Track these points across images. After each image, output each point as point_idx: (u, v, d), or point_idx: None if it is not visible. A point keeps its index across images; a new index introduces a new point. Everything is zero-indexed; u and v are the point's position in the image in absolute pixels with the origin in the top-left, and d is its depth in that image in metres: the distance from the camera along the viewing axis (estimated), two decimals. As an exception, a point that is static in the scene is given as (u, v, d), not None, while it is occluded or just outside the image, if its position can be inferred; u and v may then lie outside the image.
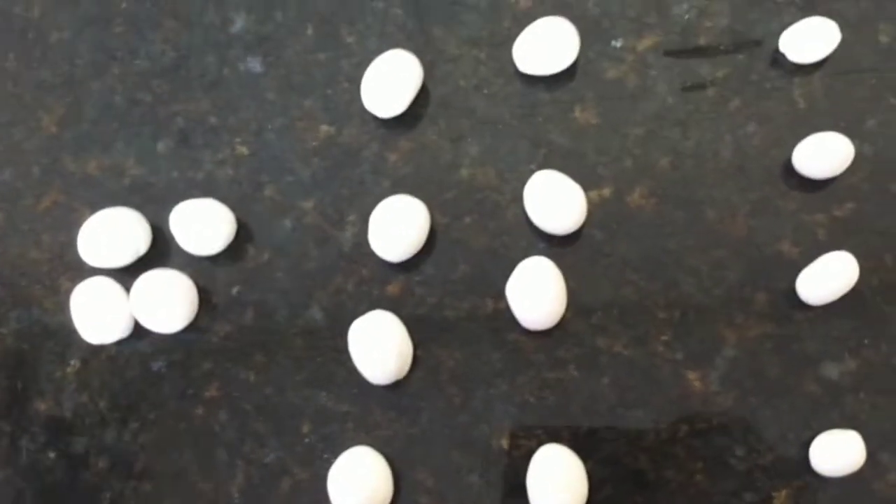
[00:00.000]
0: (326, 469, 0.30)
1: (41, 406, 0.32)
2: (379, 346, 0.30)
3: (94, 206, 0.34)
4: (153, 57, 0.36)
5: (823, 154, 0.31)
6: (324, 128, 0.34)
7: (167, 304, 0.31)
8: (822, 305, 0.30)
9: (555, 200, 0.31)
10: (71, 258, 0.33)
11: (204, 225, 0.32)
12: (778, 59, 0.33)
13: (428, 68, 0.34)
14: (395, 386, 0.31)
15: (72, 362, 0.32)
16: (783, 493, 0.29)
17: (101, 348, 0.32)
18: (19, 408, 0.32)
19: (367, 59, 0.34)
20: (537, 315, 0.30)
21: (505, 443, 0.30)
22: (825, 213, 0.31)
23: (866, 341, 0.30)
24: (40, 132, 0.35)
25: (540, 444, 0.30)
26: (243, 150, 0.34)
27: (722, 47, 0.33)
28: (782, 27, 0.33)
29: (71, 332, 0.32)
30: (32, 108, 0.36)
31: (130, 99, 0.35)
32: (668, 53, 0.33)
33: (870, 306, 0.30)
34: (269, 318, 0.32)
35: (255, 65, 0.35)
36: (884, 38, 0.33)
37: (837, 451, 0.28)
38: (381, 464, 0.30)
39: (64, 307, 0.33)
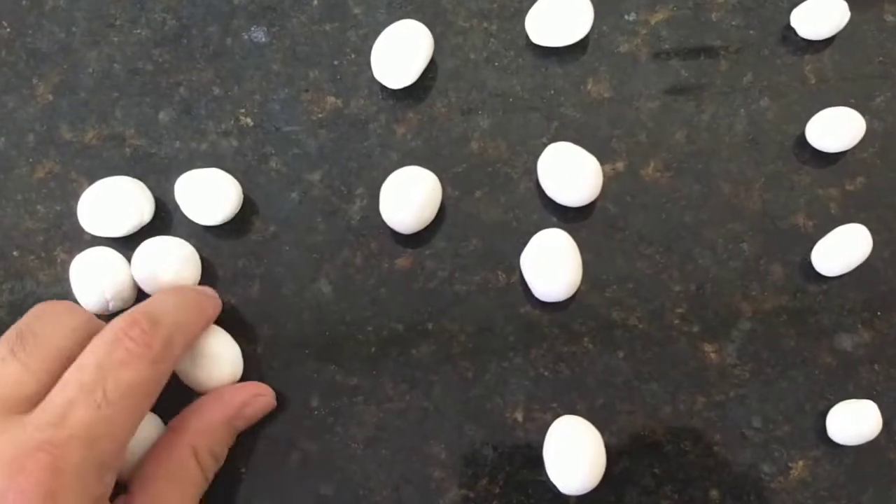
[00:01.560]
0: (335, 443, 0.29)
1: (36, 381, 0.31)
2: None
3: (93, 177, 0.32)
4: (154, 26, 0.35)
5: (837, 128, 0.31)
6: (330, 99, 0.34)
7: (170, 270, 0.30)
8: (835, 278, 0.30)
9: (570, 172, 0.31)
10: (68, 229, 0.32)
11: (210, 194, 0.31)
12: (788, 36, 0.33)
13: (437, 40, 0.34)
14: (407, 359, 0.31)
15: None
16: (800, 463, 0.29)
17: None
18: (13, 383, 0.31)
19: (374, 31, 0.33)
20: (553, 287, 0.30)
21: (519, 416, 0.30)
22: (838, 187, 0.32)
23: (879, 313, 0.30)
24: (35, 100, 0.34)
25: (555, 416, 0.29)
26: (248, 121, 0.34)
27: (734, 23, 0.33)
28: (793, 4, 0.33)
29: (68, 305, 0.31)
30: (27, 76, 0.34)
31: (130, 68, 0.34)
32: (681, 28, 0.33)
33: (882, 279, 0.31)
34: (275, 291, 0.31)
35: (259, 35, 0.35)
36: (890, 18, 0.34)
37: (854, 421, 0.28)
38: None
39: (60, 279, 0.32)
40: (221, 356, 0.29)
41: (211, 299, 0.29)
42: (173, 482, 0.26)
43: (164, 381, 0.25)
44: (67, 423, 0.22)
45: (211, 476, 0.28)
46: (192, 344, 0.28)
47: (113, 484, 0.24)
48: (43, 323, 0.25)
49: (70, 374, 0.23)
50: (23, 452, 0.21)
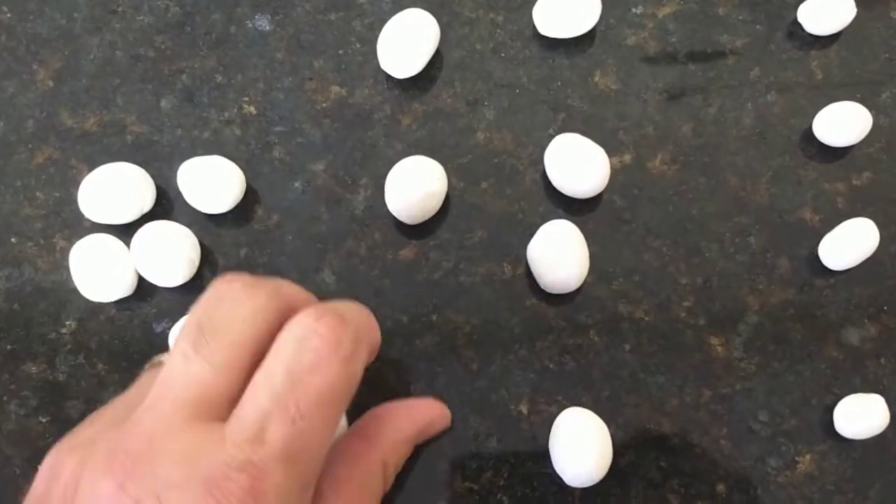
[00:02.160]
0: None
1: (32, 369, 0.30)
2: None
3: (93, 163, 0.32)
4: (156, 13, 0.35)
5: (843, 122, 0.31)
6: (335, 89, 0.33)
7: (169, 254, 0.29)
8: (842, 272, 0.30)
9: (577, 163, 0.30)
10: (67, 216, 0.32)
11: (213, 182, 0.30)
12: (795, 31, 0.33)
13: (443, 31, 0.34)
14: (411, 350, 0.30)
15: (67, 323, 0.31)
16: (807, 457, 0.29)
17: (99, 309, 0.31)
18: (9, 371, 0.30)
19: (380, 20, 0.33)
20: (559, 278, 0.30)
21: (524, 408, 0.30)
22: (844, 182, 0.32)
23: (886, 307, 0.30)
24: (35, 86, 0.34)
25: (560, 409, 0.29)
26: (251, 109, 0.33)
27: (740, 17, 0.33)
28: (800, -1, 0.33)
29: (67, 293, 0.31)
30: (27, 62, 0.34)
31: (132, 55, 0.34)
32: (688, 22, 0.33)
33: (890, 273, 0.31)
34: (278, 280, 0.31)
35: (263, 23, 0.34)
36: (895, 15, 0.34)
37: (861, 415, 0.28)
38: None
39: (59, 266, 0.31)
40: None
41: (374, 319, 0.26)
42: (362, 491, 0.25)
43: (355, 385, 0.23)
44: (265, 439, 0.20)
45: (389, 487, 0.27)
46: (375, 352, 0.25)
47: (311, 500, 0.22)
48: (224, 309, 0.22)
49: (261, 382, 0.21)
50: (222, 473, 0.19)
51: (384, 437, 0.26)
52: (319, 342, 0.21)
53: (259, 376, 0.21)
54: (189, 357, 0.21)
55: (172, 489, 0.19)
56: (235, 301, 0.22)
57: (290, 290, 0.24)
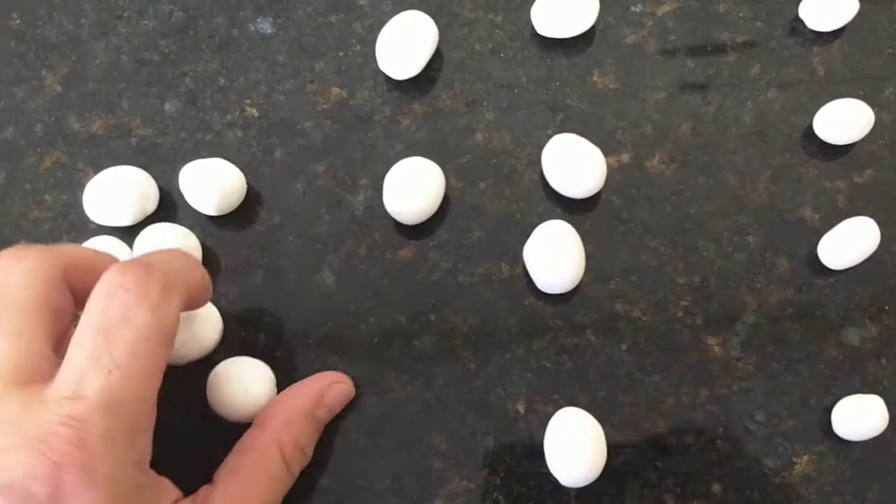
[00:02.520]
0: (336, 433, 0.29)
1: (42, 368, 0.31)
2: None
3: (99, 166, 0.33)
4: (161, 17, 0.35)
5: (844, 120, 0.31)
6: (335, 90, 0.34)
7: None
8: (843, 271, 0.30)
9: (574, 163, 0.31)
10: (74, 218, 0.33)
11: (214, 184, 0.31)
12: (797, 28, 0.33)
13: (442, 32, 0.34)
14: (409, 350, 0.30)
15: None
16: (804, 458, 0.29)
17: (105, 309, 0.31)
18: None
19: (380, 22, 0.33)
20: (555, 278, 0.30)
21: (521, 407, 0.30)
22: (845, 180, 0.31)
23: (887, 307, 0.30)
24: (43, 91, 0.34)
25: (556, 408, 0.29)
26: (253, 111, 0.34)
27: (741, 14, 0.33)
28: (802, -5, 0.33)
29: (74, 293, 0.31)
30: (36, 67, 0.35)
31: (137, 59, 0.35)
32: (687, 20, 0.33)
33: (890, 272, 0.30)
34: (279, 281, 0.32)
35: (265, 26, 0.35)
36: (901, 9, 0.33)
37: (860, 416, 0.28)
38: None
39: (66, 268, 0.32)
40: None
41: (198, 263, 0.27)
42: (258, 475, 0.26)
43: (172, 330, 0.24)
44: (83, 393, 0.21)
45: (297, 470, 0.27)
46: (193, 295, 0.26)
47: (149, 449, 0.23)
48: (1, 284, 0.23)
49: (74, 344, 0.22)
50: (48, 430, 0.21)
51: (275, 420, 0.27)
52: (125, 295, 0.22)
53: (73, 339, 0.22)
54: None
55: (3, 452, 0.21)
56: (5, 272, 0.23)
57: (69, 249, 0.25)
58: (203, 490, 0.25)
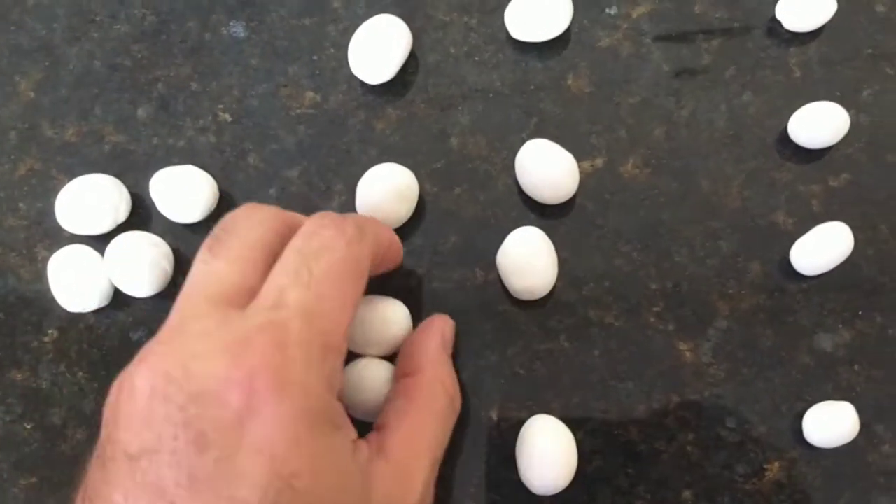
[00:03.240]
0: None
1: (17, 376, 0.31)
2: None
3: (73, 174, 0.33)
4: (133, 21, 0.35)
5: (819, 123, 0.30)
6: (309, 95, 0.34)
7: (141, 265, 0.30)
8: (816, 276, 0.30)
9: (547, 169, 0.30)
10: (49, 226, 0.32)
11: (185, 191, 0.31)
12: (774, 29, 0.33)
13: (417, 35, 0.34)
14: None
15: (49, 332, 0.32)
16: (776, 464, 0.29)
17: (79, 317, 0.31)
18: (-6, 379, 0.31)
19: (354, 25, 0.33)
20: (527, 285, 0.30)
21: (494, 415, 0.30)
22: (820, 184, 0.31)
23: (861, 312, 0.30)
24: (17, 97, 0.34)
25: (530, 415, 0.29)
26: (226, 116, 0.33)
27: (717, 15, 0.33)
28: (778, -5, 0.32)
29: (48, 301, 0.32)
30: (9, 73, 0.34)
31: (110, 64, 0.34)
32: (663, 22, 0.33)
33: (864, 277, 0.30)
34: (252, 288, 0.31)
35: (238, 30, 0.34)
36: (880, 8, 0.33)
37: (831, 423, 0.28)
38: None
39: (41, 276, 0.32)
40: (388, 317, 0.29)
41: (388, 227, 0.29)
42: (427, 414, 0.26)
43: (364, 266, 0.25)
44: (283, 304, 0.22)
45: (458, 405, 0.28)
46: (383, 247, 0.27)
47: (340, 373, 0.24)
48: (233, 223, 0.25)
49: (277, 267, 0.24)
50: (245, 335, 0.21)
51: (426, 362, 0.27)
52: (324, 231, 0.24)
53: (277, 265, 0.24)
54: (206, 259, 0.24)
55: (197, 359, 0.21)
56: (243, 214, 0.26)
57: (294, 215, 0.27)
58: (373, 436, 0.25)
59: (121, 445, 0.21)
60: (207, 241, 0.25)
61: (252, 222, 0.25)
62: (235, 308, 0.23)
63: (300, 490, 0.20)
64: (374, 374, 0.28)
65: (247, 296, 0.23)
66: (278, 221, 0.26)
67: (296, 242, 0.24)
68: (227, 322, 0.22)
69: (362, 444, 0.24)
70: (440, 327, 0.29)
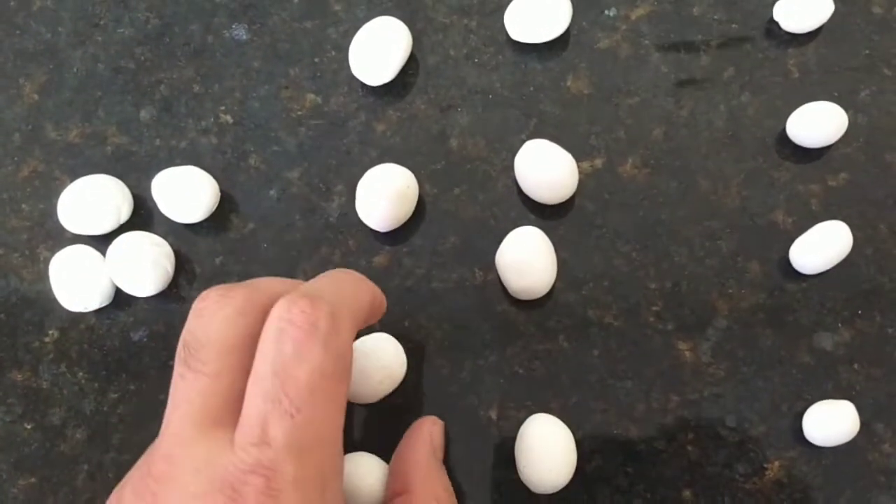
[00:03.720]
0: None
1: (18, 377, 0.31)
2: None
3: (75, 175, 0.33)
4: (137, 25, 0.35)
5: (817, 123, 0.30)
6: (310, 97, 0.34)
7: (142, 265, 0.30)
8: (815, 275, 0.30)
9: (546, 170, 0.30)
10: (51, 227, 0.33)
11: (186, 192, 0.31)
12: (772, 29, 0.33)
13: (417, 37, 0.34)
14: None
15: (50, 332, 0.32)
16: (776, 463, 0.28)
17: (80, 318, 0.32)
18: (-5, 379, 0.32)
19: (354, 28, 0.33)
20: (526, 284, 0.30)
21: (493, 414, 0.30)
22: (819, 184, 0.31)
23: (860, 311, 0.30)
24: (21, 100, 0.34)
25: (529, 415, 0.29)
26: (227, 118, 0.34)
27: (716, 17, 0.33)
28: (776, -3, 0.33)
29: (49, 302, 0.32)
30: (14, 76, 0.35)
31: (113, 67, 0.35)
32: (662, 24, 0.33)
33: (864, 276, 0.30)
34: (253, 288, 0.32)
35: (240, 32, 0.35)
36: (877, 10, 0.33)
37: (831, 422, 0.28)
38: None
39: (42, 276, 0.32)
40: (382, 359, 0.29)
41: (366, 281, 0.26)
42: None
43: (347, 361, 0.23)
44: (269, 440, 0.20)
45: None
46: (362, 317, 0.25)
47: (340, 493, 0.22)
48: (204, 323, 0.23)
49: (252, 386, 0.21)
50: (238, 479, 0.20)
51: (417, 478, 0.27)
52: (295, 331, 0.21)
53: (251, 381, 0.22)
54: (184, 375, 0.22)
55: (196, 499, 0.20)
56: (212, 312, 0.23)
57: (268, 284, 0.24)
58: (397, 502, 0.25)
59: None
60: (181, 353, 0.22)
61: (223, 323, 0.22)
62: (224, 428, 0.21)
63: None
64: (365, 471, 0.28)
65: (235, 406, 0.22)
66: (253, 311, 0.23)
67: (265, 352, 0.22)
68: (215, 455, 0.21)
69: None
70: (428, 432, 0.28)
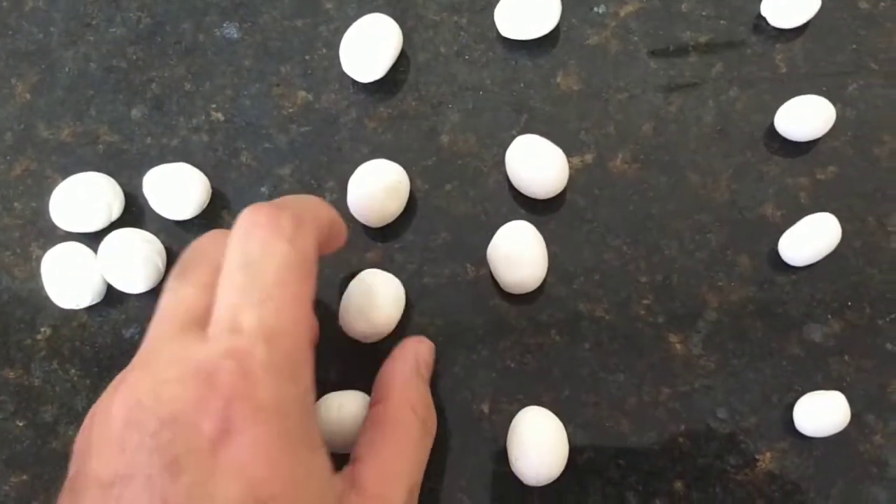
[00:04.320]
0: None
1: (10, 374, 0.31)
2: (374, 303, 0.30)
3: (67, 173, 0.33)
4: (129, 24, 0.35)
5: (805, 117, 0.31)
6: (301, 94, 0.34)
7: (134, 261, 0.30)
8: (804, 268, 0.30)
9: (537, 165, 0.31)
10: (43, 225, 0.33)
11: (177, 189, 0.31)
12: (759, 25, 0.33)
13: (408, 34, 0.34)
14: (376, 353, 0.30)
15: (42, 329, 0.32)
16: (767, 455, 0.29)
17: (72, 315, 0.32)
18: (-13, 377, 0.32)
19: (345, 26, 0.34)
20: (518, 279, 0.30)
21: (486, 408, 0.30)
22: (808, 177, 0.31)
23: (850, 303, 0.30)
24: (14, 99, 0.35)
25: (521, 408, 0.29)
26: (219, 116, 0.34)
27: (704, 13, 0.33)
28: (763, -8, 0.33)
29: (42, 300, 0.32)
30: (6, 76, 0.35)
31: (105, 66, 0.35)
32: (650, 20, 0.33)
33: (852, 268, 0.30)
34: (245, 285, 0.32)
35: (231, 31, 0.35)
36: (863, 5, 0.33)
37: (822, 413, 0.28)
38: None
39: (35, 274, 0.32)
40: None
41: (327, 204, 0.28)
42: (400, 442, 0.26)
43: (312, 260, 0.24)
44: (240, 328, 0.22)
45: (433, 428, 0.28)
46: (324, 232, 0.26)
47: (312, 392, 0.23)
48: (200, 249, 0.25)
49: (224, 284, 0.23)
50: (212, 363, 0.21)
51: (394, 388, 0.27)
52: (261, 231, 0.23)
53: (221, 279, 0.23)
54: (175, 287, 0.24)
55: (167, 384, 0.21)
56: (209, 239, 0.26)
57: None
58: (347, 470, 0.25)
59: (93, 474, 0.21)
60: (175, 269, 0.25)
61: (219, 247, 0.24)
62: (201, 327, 0.22)
63: None
64: (349, 407, 0.28)
65: (209, 316, 0.23)
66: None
67: (234, 252, 0.23)
68: (192, 347, 0.22)
69: (336, 478, 0.24)
70: (413, 350, 0.29)
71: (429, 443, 0.27)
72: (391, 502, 0.24)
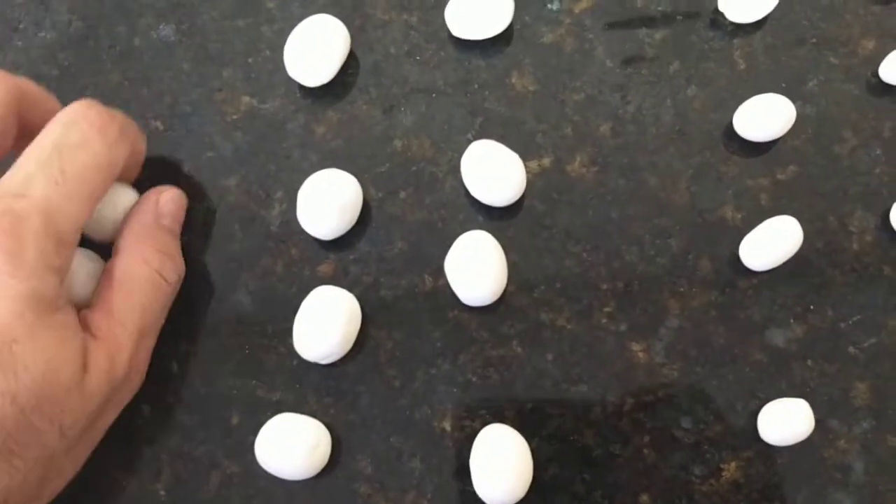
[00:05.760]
0: (257, 462, 0.28)
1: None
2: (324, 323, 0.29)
3: (-3, 189, 0.31)
4: (59, 28, 0.33)
5: (765, 116, 0.30)
6: (245, 99, 0.32)
7: (77, 275, 0.28)
8: (766, 271, 0.30)
9: (493, 171, 0.30)
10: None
11: (110, 206, 0.29)
12: (717, 20, 0.32)
13: (356, 34, 0.33)
14: (331, 370, 0.30)
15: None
16: (732, 464, 0.28)
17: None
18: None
19: (289, 26, 0.32)
20: (477, 291, 0.29)
21: (447, 425, 0.29)
22: (768, 177, 0.31)
23: (812, 307, 0.29)
24: (-65, 110, 0.32)
25: (484, 424, 0.28)
26: (157, 124, 0.32)
27: (660, 8, 0.32)
28: (721, -14, 0.32)
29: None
30: (-75, 85, 0.33)
31: (35, 73, 0.33)
32: (605, 16, 0.32)
33: (815, 271, 0.30)
34: (191, 304, 0.30)
35: (168, 33, 0.33)
36: (823, -2, 0.33)
37: (786, 420, 0.27)
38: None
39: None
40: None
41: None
42: (130, 287, 0.27)
43: (117, 170, 0.26)
44: (27, 194, 0.24)
45: (171, 276, 0.28)
46: (135, 157, 0.29)
47: (69, 265, 0.25)
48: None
49: (29, 152, 0.25)
50: None
51: (127, 241, 0.28)
52: (87, 125, 0.25)
53: (28, 149, 0.25)
54: None
55: None
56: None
57: (24, 81, 0.27)
58: (80, 315, 0.26)
59: None
60: None
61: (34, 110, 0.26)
62: None
63: (17, 353, 0.22)
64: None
65: None
66: (6, 94, 0.26)
67: (54, 129, 0.25)
68: None
69: (80, 330, 0.25)
70: (153, 201, 0.29)
71: (167, 290, 0.28)
72: (121, 344, 0.26)
